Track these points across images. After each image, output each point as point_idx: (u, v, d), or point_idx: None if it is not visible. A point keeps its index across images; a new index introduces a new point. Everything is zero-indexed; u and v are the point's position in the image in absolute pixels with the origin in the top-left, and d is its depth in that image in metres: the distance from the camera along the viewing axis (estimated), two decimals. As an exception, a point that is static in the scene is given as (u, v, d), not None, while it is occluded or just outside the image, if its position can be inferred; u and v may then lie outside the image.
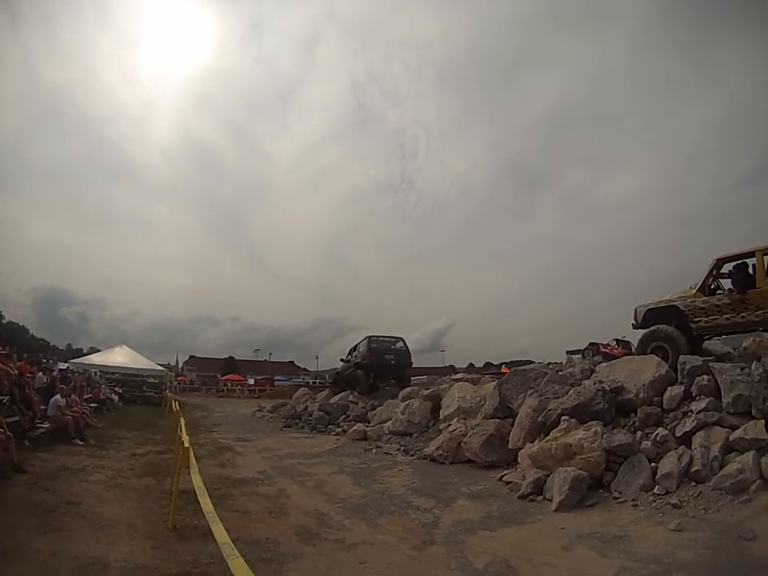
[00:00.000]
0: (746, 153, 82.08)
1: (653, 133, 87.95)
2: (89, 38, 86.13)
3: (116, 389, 19.77)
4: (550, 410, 6.66)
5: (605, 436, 5.70)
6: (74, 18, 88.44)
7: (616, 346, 17.76)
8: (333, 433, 12.14)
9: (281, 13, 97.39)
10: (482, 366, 47.03)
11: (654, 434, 5.62)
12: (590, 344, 18.57)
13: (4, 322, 55.78)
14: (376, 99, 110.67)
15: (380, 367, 15.55)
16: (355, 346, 17.04)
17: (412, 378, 17.14)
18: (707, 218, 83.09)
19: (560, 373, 8.32)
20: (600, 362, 8.87)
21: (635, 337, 9.26)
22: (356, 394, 15.17)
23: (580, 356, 15.92)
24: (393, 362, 15.56)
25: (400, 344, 16.18)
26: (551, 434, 6.20)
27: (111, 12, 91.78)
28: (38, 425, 7.86)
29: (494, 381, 10.31)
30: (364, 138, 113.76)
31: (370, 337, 16.00)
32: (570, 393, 6.88)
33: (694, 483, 4.85)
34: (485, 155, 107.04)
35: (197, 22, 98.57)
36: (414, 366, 17.53)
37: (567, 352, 21.47)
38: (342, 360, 18.47)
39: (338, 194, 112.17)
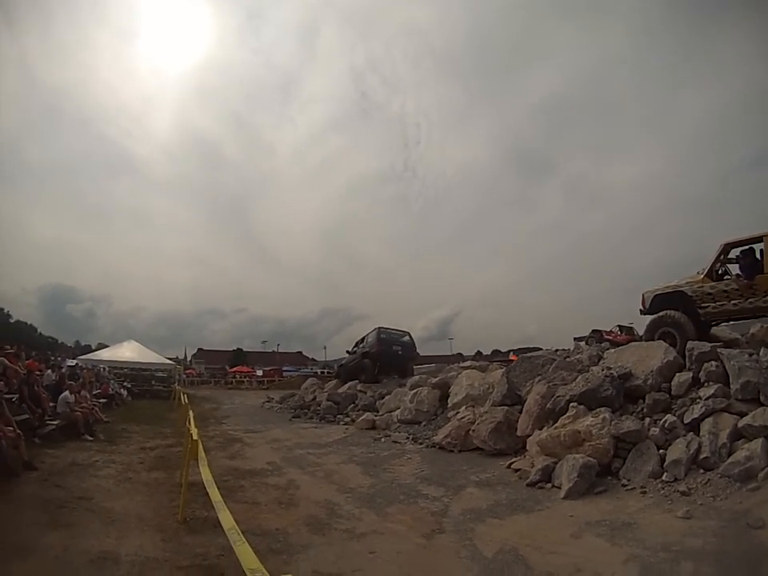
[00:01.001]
0: (748, 139, 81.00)
1: (654, 120, 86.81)
2: (86, 34, 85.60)
3: (125, 384, 19.92)
4: (558, 396, 6.63)
5: (613, 423, 5.66)
6: (70, 15, 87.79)
7: (619, 333, 17.76)
8: (341, 422, 12.18)
9: (278, 3, 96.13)
10: (489, 353, 46.82)
11: (662, 421, 5.57)
12: (593, 331, 18.57)
13: (12, 321, 56.34)
14: (377, 87, 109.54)
15: (388, 356, 15.90)
16: (363, 338, 17.41)
17: (420, 367, 17.41)
18: (709, 205, 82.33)
19: (568, 359, 8.28)
20: (608, 349, 8.83)
21: (640, 323, 9.21)
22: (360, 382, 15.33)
23: (585, 343, 15.91)
24: (400, 352, 16.15)
25: (407, 338, 16.98)
26: (559, 420, 6.18)
27: (107, 7, 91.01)
28: (48, 422, 7.89)
29: (501, 368, 10.26)
30: (366, 126, 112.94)
31: (379, 328, 16.53)
32: (578, 379, 6.84)
33: (702, 470, 4.81)
34: (487, 143, 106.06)
35: (193, 15, 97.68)
36: (421, 355, 17.82)
37: (575, 338, 21.42)
38: (348, 352, 18.63)
39: (341, 184, 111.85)
